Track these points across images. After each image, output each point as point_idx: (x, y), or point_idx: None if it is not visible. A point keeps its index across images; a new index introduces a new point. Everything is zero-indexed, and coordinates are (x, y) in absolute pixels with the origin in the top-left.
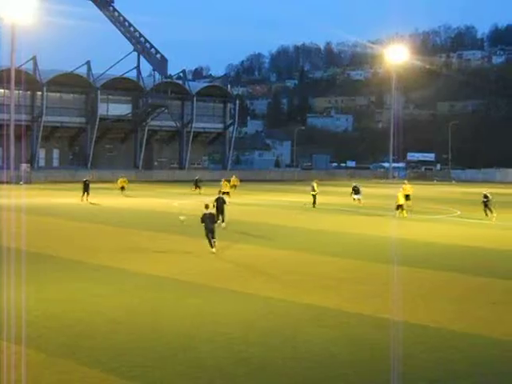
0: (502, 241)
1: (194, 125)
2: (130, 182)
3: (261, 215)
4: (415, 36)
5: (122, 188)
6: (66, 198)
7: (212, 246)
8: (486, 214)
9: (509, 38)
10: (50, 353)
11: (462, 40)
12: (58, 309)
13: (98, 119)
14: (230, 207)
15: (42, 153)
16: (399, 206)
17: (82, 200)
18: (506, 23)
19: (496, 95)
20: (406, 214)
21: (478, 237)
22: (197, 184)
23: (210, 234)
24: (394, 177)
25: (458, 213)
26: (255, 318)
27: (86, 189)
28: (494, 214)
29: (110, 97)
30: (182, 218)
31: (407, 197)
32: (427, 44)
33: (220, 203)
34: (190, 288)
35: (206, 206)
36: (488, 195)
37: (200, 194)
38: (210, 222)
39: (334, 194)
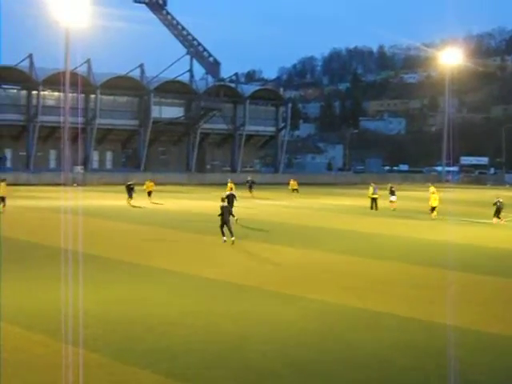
0: None
1: (246, 128)
2: (182, 184)
3: (312, 218)
4: (469, 38)
5: (149, 193)
6: (119, 200)
7: (224, 235)
8: None
9: None
10: (104, 354)
11: None
12: (112, 310)
13: (150, 122)
14: (280, 210)
15: (95, 155)
16: (433, 208)
17: (128, 203)
18: None
19: None
20: (434, 216)
21: None
22: (251, 187)
23: (226, 225)
24: (446, 181)
25: None
26: (308, 321)
27: (129, 192)
28: None
29: (163, 100)
30: (235, 217)
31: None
32: (481, 47)
33: (231, 199)
34: (241, 290)
35: (223, 200)
36: None
37: (253, 197)
38: (226, 213)
39: (385, 198)
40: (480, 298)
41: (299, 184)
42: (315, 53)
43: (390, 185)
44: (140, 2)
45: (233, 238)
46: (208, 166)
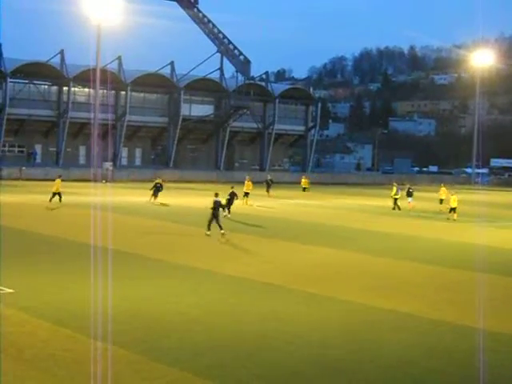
0: None
1: (275, 127)
2: (211, 182)
3: (340, 218)
4: (501, 40)
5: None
6: (146, 197)
7: (209, 229)
8: None
9: None
10: (131, 350)
11: None
12: (138, 307)
13: (180, 119)
14: (310, 209)
15: (124, 152)
16: (452, 209)
17: (151, 200)
18: None
19: None
20: (455, 217)
21: None
22: (269, 185)
23: (215, 219)
24: (476, 183)
25: None
26: (333, 321)
27: (155, 191)
28: None
29: (193, 97)
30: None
31: (441, 201)
32: None
33: (232, 197)
34: (267, 289)
35: (216, 194)
36: None
37: (269, 196)
38: (217, 208)
39: (404, 198)
40: (508, 299)
41: (321, 183)
42: (346, 53)
43: (407, 186)
44: (172, 0)
45: (222, 231)
46: (237, 165)
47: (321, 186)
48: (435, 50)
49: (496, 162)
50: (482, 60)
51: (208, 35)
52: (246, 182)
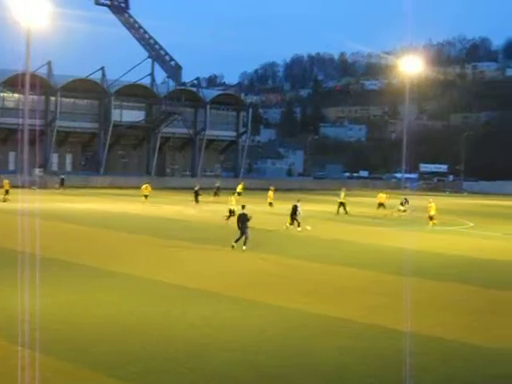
0: None
1: (207, 132)
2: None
3: (274, 223)
4: (430, 47)
5: (146, 196)
6: (79, 203)
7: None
8: None
9: None
10: (60, 357)
11: (476, 51)
12: (70, 314)
13: (111, 125)
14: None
15: (55, 158)
16: (431, 218)
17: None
18: None
19: (509, 107)
20: (434, 225)
21: (491, 249)
22: (216, 192)
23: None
24: (406, 188)
25: (471, 224)
26: (268, 327)
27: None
28: None
29: (124, 103)
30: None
31: (381, 205)
32: (442, 55)
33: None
34: (200, 296)
35: (243, 207)
36: None
37: (215, 201)
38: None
39: (348, 204)
40: (441, 304)
41: (253, 189)
42: (277, 58)
43: (404, 197)
44: (102, 5)
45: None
46: (168, 170)
47: (253, 192)
48: (365, 56)
49: (425, 167)
50: (410, 66)
51: (139, 40)
52: (269, 192)
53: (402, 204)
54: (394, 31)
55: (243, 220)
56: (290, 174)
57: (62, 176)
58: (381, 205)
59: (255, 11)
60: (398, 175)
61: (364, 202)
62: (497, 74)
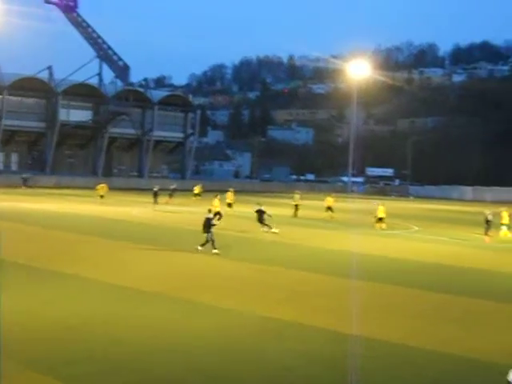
0: (459, 257)
1: (154, 133)
2: (88, 188)
3: (229, 226)
4: (378, 52)
5: (102, 196)
6: (25, 202)
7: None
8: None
9: (469, 57)
10: (4, 359)
11: (423, 57)
12: (12, 315)
13: (58, 125)
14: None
15: (0, 156)
16: (380, 219)
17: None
18: (468, 42)
19: (455, 113)
20: (383, 227)
21: (436, 253)
22: (171, 194)
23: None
24: (352, 191)
25: (416, 228)
26: (213, 330)
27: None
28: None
29: (72, 103)
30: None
31: (329, 208)
32: (389, 60)
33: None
34: (146, 297)
35: (209, 211)
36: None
37: (167, 203)
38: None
39: (290, 207)
40: (386, 307)
41: (204, 191)
42: (225, 61)
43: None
44: (51, 3)
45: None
46: (115, 171)
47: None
48: (313, 60)
49: (371, 171)
50: (358, 71)
51: (87, 40)
52: (295, 196)
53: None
54: (343, 36)
55: (208, 224)
56: (237, 176)
57: (25, 175)
58: (329, 208)
59: (204, 13)
60: (345, 179)
61: (311, 206)
62: (443, 79)
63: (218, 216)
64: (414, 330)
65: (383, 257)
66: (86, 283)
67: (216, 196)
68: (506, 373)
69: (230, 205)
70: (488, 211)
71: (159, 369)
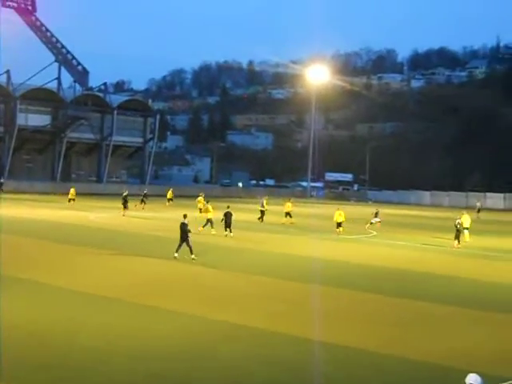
0: (418, 262)
1: (113, 138)
2: (47, 193)
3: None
4: (337, 57)
5: (71, 200)
6: None
7: (177, 251)
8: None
9: (428, 62)
10: None
11: (382, 63)
12: None
13: (16, 129)
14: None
15: None
16: (339, 224)
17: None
18: (426, 48)
19: (414, 118)
20: (341, 231)
21: (393, 257)
22: (143, 199)
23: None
24: (312, 196)
25: (374, 233)
26: (170, 334)
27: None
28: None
29: (30, 107)
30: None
31: (288, 214)
32: (348, 65)
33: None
34: (104, 303)
35: (185, 216)
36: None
37: (143, 209)
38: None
39: (252, 212)
40: (344, 312)
41: (158, 196)
42: (185, 65)
43: (376, 209)
44: (8, 7)
45: (192, 256)
46: (74, 176)
47: (158, 199)
48: (273, 66)
49: (330, 176)
50: (317, 76)
51: (46, 44)
52: (288, 204)
53: (376, 215)
54: (302, 41)
55: (184, 229)
56: (196, 181)
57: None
58: (288, 214)
59: (163, 17)
60: (304, 184)
61: (271, 211)
62: (402, 85)
63: (209, 223)
64: (369, 333)
65: (342, 261)
66: (43, 288)
67: (208, 202)
68: (464, 377)
69: (201, 210)
70: (458, 217)
71: (119, 375)
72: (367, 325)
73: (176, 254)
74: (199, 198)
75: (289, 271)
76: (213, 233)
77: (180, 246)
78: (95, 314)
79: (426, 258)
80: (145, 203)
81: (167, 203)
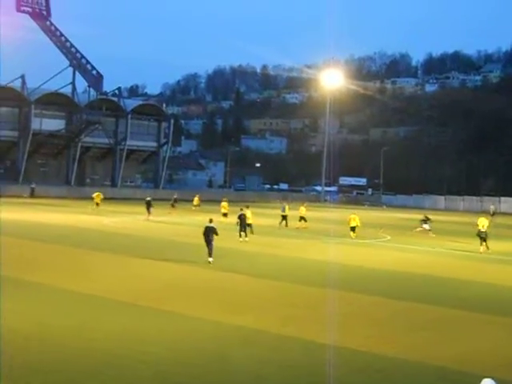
0: (431, 266)
1: (127, 142)
2: (61, 198)
3: (197, 236)
4: (351, 62)
5: (97, 204)
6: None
7: (210, 256)
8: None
9: (442, 66)
10: None
11: (396, 67)
12: None
13: (30, 134)
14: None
15: None
16: (353, 229)
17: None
18: (440, 52)
19: (428, 123)
20: (354, 236)
21: (407, 262)
22: (173, 204)
23: (208, 244)
24: (325, 200)
25: (388, 238)
26: (183, 338)
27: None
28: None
29: (44, 111)
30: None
31: (302, 218)
32: (362, 70)
33: (242, 219)
34: (116, 306)
35: (210, 220)
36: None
37: (170, 213)
38: (210, 233)
39: (267, 216)
40: (357, 316)
41: (178, 200)
42: (199, 70)
43: (424, 214)
44: (23, 12)
45: (210, 259)
46: (88, 180)
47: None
48: (287, 70)
49: (344, 181)
50: (331, 80)
51: (60, 49)
52: (285, 207)
53: (425, 222)
54: (316, 45)
55: (209, 233)
56: (210, 185)
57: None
58: (302, 218)
59: (177, 22)
60: (318, 188)
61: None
62: (416, 89)
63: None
64: (383, 338)
65: (356, 266)
66: (59, 293)
67: (247, 207)
68: (478, 382)
69: (225, 215)
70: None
71: (131, 379)
72: (377, 329)
73: (210, 259)
74: (223, 203)
75: (303, 275)
76: (246, 239)
77: (210, 249)
78: (109, 317)
79: (439, 262)
80: (174, 207)
81: (193, 208)
